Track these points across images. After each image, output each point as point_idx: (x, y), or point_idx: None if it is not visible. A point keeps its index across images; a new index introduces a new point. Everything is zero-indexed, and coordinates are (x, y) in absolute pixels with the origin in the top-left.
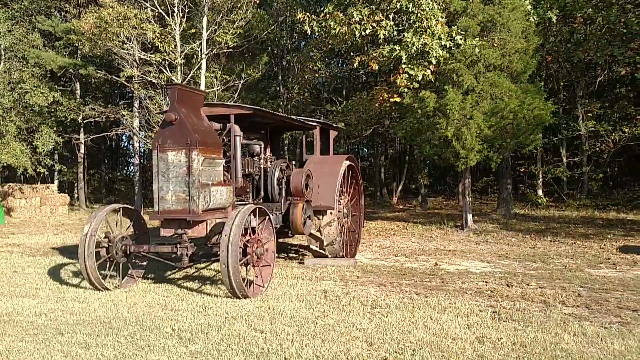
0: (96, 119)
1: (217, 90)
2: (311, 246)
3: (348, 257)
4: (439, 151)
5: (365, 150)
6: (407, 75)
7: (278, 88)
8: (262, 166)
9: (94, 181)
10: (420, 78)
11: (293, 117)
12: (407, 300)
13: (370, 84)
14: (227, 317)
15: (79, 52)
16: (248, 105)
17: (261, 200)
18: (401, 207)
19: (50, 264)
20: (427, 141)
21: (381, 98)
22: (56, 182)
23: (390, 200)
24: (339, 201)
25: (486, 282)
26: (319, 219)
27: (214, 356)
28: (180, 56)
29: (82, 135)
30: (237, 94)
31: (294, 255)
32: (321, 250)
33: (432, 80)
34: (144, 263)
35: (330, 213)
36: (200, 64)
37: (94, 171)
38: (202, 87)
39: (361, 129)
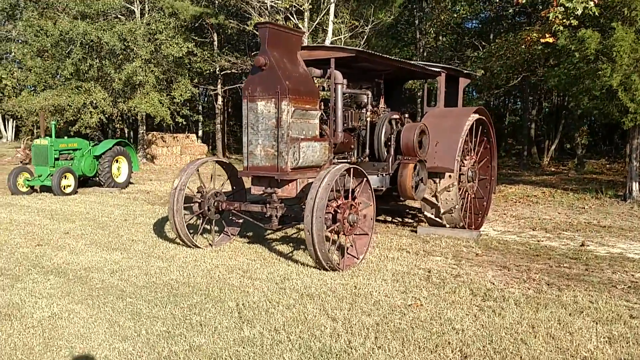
0: (232, 70)
1: (344, 37)
2: (425, 213)
3: (471, 228)
4: (601, 104)
5: (519, 103)
6: (562, 9)
7: (414, 34)
8: (368, 119)
9: (234, 132)
10: (579, 12)
11: (411, 62)
12: (533, 292)
13: (522, 24)
14: (302, 294)
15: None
16: (351, 47)
17: (367, 158)
18: (553, 169)
19: (163, 214)
20: (585, 92)
21: (528, 38)
22: (200, 132)
23: (541, 162)
24: (461, 162)
25: None
26: (435, 182)
27: (264, 348)
28: (308, 1)
29: (219, 86)
30: (364, 40)
31: (410, 220)
32: (437, 219)
33: (596, 14)
34: (240, 221)
35: (450, 176)
36: (329, 9)
37: (234, 122)
38: (330, 34)
39: (506, 78)
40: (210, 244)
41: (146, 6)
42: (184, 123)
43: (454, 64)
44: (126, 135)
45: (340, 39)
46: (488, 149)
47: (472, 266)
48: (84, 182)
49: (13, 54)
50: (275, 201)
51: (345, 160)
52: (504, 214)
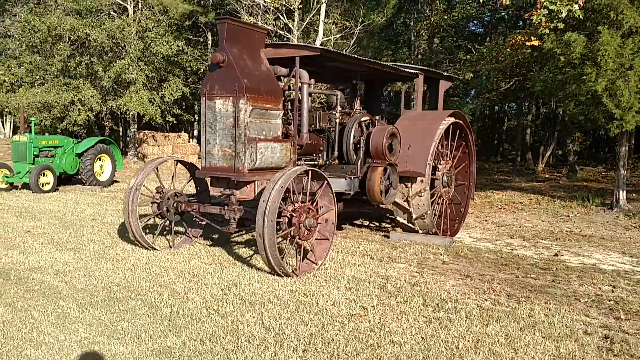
0: None
1: (335, 37)
2: (398, 218)
3: (447, 234)
4: (586, 110)
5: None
6: (546, 11)
7: (408, 36)
8: (337, 121)
9: None
10: (564, 15)
11: (383, 63)
12: (489, 304)
13: (516, 27)
14: (245, 302)
15: None
16: (315, 46)
17: (336, 160)
18: (547, 176)
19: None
20: (571, 97)
21: (513, 41)
22: (195, 131)
23: (536, 168)
24: (435, 166)
25: (614, 286)
26: (407, 186)
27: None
28: (298, 1)
29: None
30: (353, 41)
31: (387, 225)
32: (409, 224)
33: (581, 18)
34: (203, 222)
35: (422, 181)
36: (320, 9)
37: None
38: (320, 35)
39: (496, 82)
40: (170, 246)
41: (139, 3)
42: (175, 122)
43: (446, 67)
44: (120, 133)
45: (330, 39)
46: (467, 154)
47: (434, 274)
48: (66, 180)
49: (11, 50)
50: (233, 203)
51: (312, 163)
52: (485, 221)
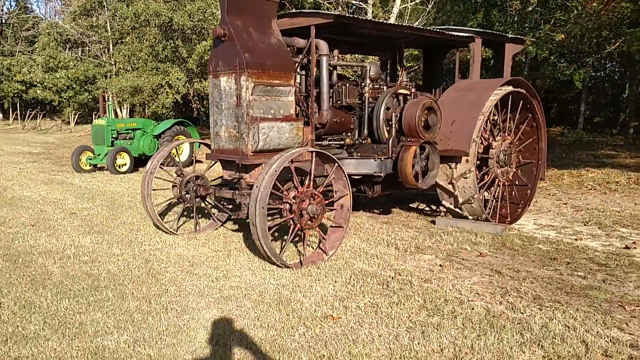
0: None
1: (410, 4)
2: (444, 202)
3: (507, 220)
4: None
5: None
6: None
7: None
8: (367, 95)
9: None
10: None
11: (417, 27)
12: (502, 309)
13: None
14: (220, 297)
15: None
16: (329, 12)
17: (368, 140)
18: None
19: None
20: None
21: None
22: None
23: None
24: (488, 143)
25: None
26: (450, 167)
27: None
28: None
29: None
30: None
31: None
32: (456, 209)
33: None
34: (230, 206)
35: (467, 160)
36: None
37: None
38: (398, 0)
39: (589, 43)
40: (195, 230)
41: None
42: None
43: (523, 33)
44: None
45: (407, 6)
46: (534, 128)
47: (459, 269)
48: (147, 161)
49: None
50: (243, 187)
51: (340, 143)
52: (565, 204)
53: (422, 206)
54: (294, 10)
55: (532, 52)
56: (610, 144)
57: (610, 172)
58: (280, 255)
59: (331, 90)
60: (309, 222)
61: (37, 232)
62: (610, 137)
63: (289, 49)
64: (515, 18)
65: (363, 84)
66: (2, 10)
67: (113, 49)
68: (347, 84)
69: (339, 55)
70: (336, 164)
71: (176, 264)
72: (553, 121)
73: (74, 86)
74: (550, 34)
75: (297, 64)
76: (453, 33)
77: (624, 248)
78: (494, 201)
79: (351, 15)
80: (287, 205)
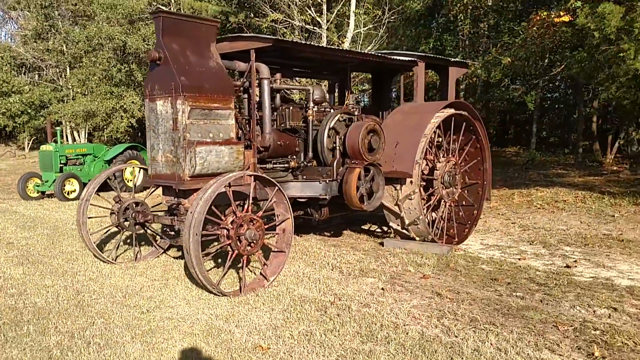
0: None
1: (363, 29)
2: (391, 224)
3: (455, 240)
4: (628, 92)
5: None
6: None
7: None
8: (310, 119)
9: None
10: None
11: (357, 51)
12: (438, 332)
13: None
14: (150, 328)
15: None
16: (268, 36)
17: (313, 162)
18: (615, 168)
19: None
20: (611, 78)
21: (537, 19)
22: None
23: (604, 159)
24: (431, 165)
25: (615, 309)
26: (396, 189)
27: None
28: None
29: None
30: (382, 30)
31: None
32: (404, 230)
33: None
34: (172, 233)
35: (411, 182)
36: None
37: None
38: (352, 26)
39: (535, 66)
40: (134, 259)
41: (172, 8)
42: None
43: (470, 57)
44: None
45: (360, 31)
46: (478, 150)
47: (400, 292)
48: (103, 187)
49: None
50: (182, 213)
51: (284, 166)
52: (513, 223)
53: (373, 227)
54: (233, 35)
55: (482, 74)
56: (562, 163)
57: (559, 191)
58: (218, 283)
59: (275, 113)
60: (248, 248)
61: None
62: (562, 156)
63: (229, 72)
64: (467, 42)
65: (307, 106)
66: None
67: (70, 73)
68: (291, 107)
69: (283, 79)
70: (276, 188)
71: (109, 295)
72: (510, 142)
73: (29, 111)
74: (498, 57)
75: (238, 88)
76: (396, 57)
77: (564, 267)
78: (441, 222)
79: (290, 40)
80: (225, 231)
